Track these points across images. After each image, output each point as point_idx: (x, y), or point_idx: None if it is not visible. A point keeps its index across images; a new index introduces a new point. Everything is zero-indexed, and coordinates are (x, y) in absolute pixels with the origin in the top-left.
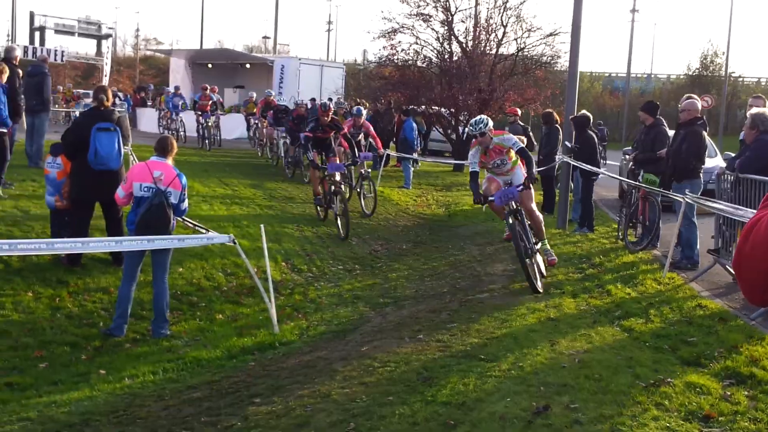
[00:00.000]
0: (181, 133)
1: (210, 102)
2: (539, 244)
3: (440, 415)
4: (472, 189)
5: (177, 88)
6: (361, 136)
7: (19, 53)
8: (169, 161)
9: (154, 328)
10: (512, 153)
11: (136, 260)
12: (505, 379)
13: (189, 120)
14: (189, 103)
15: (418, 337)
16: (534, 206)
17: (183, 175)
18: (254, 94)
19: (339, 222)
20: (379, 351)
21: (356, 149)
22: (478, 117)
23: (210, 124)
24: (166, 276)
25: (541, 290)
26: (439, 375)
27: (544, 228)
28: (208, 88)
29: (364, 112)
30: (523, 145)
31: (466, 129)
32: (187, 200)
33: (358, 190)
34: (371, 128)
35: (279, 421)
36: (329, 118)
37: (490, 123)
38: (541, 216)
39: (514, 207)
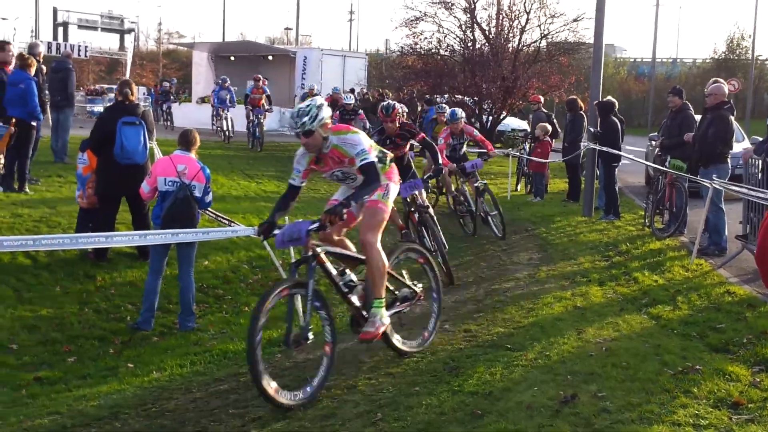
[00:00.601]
0: (227, 130)
1: (264, 96)
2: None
3: (467, 404)
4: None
5: (224, 80)
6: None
7: (42, 49)
8: (193, 154)
9: (180, 321)
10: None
11: (162, 254)
12: (532, 368)
13: (238, 115)
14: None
15: (445, 327)
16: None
17: (207, 168)
18: (315, 86)
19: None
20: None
21: (437, 155)
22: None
23: (261, 121)
24: (191, 269)
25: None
26: (466, 365)
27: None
28: (261, 78)
29: (461, 113)
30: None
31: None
32: (211, 193)
33: (482, 214)
34: (476, 132)
35: (306, 413)
36: (397, 124)
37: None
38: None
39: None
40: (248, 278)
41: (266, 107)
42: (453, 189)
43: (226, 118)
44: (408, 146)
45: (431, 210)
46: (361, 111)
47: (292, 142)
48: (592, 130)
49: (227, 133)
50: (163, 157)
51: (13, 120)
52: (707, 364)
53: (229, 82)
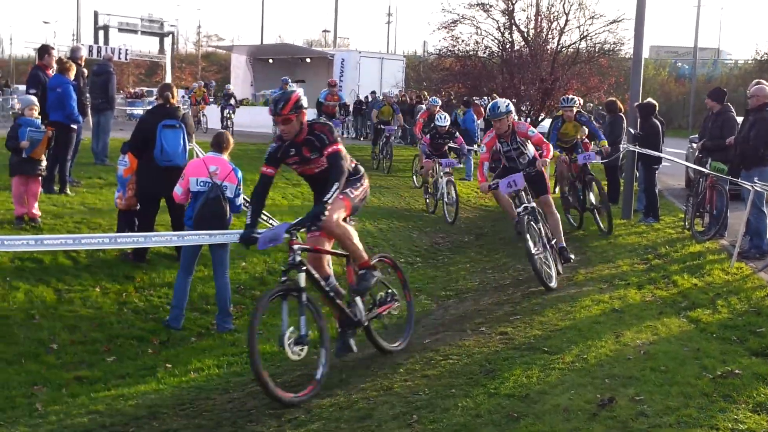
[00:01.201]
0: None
1: (339, 103)
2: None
3: (503, 407)
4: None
5: (285, 81)
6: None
7: (84, 53)
8: (225, 156)
9: (218, 322)
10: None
11: (192, 254)
12: (569, 371)
13: None
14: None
15: (481, 329)
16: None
17: (238, 169)
18: (395, 91)
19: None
20: (442, 344)
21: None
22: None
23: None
24: (226, 271)
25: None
26: (502, 367)
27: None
28: (336, 83)
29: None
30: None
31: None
32: (243, 194)
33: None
34: (531, 131)
35: (342, 414)
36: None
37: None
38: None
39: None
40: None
41: (340, 115)
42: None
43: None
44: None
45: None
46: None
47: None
48: (632, 131)
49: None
50: (196, 159)
51: (51, 127)
52: (747, 369)
53: (290, 83)
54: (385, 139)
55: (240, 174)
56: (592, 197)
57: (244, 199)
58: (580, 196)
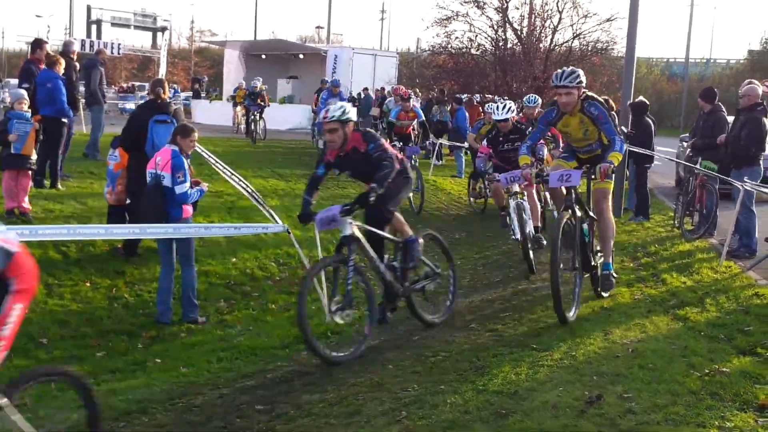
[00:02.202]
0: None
1: (417, 120)
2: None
3: (492, 404)
4: None
5: (336, 83)
6: (415, 125)
7: (77, 47)
8: (174, 147)
9: (183, 312)
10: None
11: (168, 249)
12: (558, 368)
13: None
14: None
15: (471, 326)
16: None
17: (182, 159)
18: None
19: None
20: (431, 340)
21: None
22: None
23: (415, 162)
24: (190, 263)
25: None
26: (491, 364)
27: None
28: (411, 95)
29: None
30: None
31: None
32: (185, 185)
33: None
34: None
35: (332, 410)
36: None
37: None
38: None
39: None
40: (275, 276)
41: (416, 136)
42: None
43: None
44: None
45: None
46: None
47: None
48: (624, 130)
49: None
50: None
51: (38, 117)
52: (734, 367)
53: (341, 86)
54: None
55: (180, 162)
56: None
57: (200, 190)
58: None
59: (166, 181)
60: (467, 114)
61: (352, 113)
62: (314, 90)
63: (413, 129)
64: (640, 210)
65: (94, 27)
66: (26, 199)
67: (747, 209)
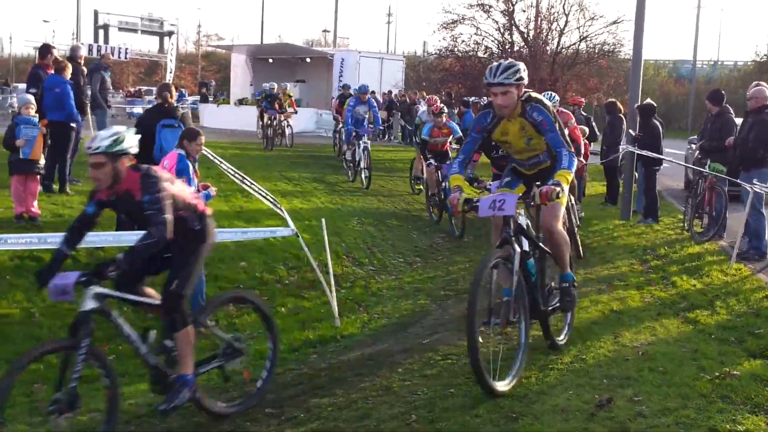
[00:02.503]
0: (362, 167)
1: (451, 137)
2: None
3: (502, 407)
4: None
5: (365, 89)
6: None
7: (84, 52)
8: (181, 151)
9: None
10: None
11: None
12: (568, 371)
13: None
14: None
15: (480, 329)
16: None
17: (187, 163)
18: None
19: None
20: (441, 344)
21: None
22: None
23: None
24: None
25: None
26: (501, 367)
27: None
28: (443, 109)
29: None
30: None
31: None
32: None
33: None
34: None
35: (341, 413)
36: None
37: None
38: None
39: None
40: (284, 279)
41: (453, 148)
42: None
43: (365, 149)
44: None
45: None
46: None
47: (327, 145)
48: (632, 133)
49: (364, 173)
50: None
51: (45, 122)
52: (745, 370)
53: (369, 91)
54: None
55: (184, 166)
56: None
57: (207, 194)
58: None
59: None
60: (475, 117)
61: (129, 143)
62: (322, 93)
63: (450, 144)
64: (649, 212)
65: (101, 32)
66: (35, 203)
67: (756, 211)
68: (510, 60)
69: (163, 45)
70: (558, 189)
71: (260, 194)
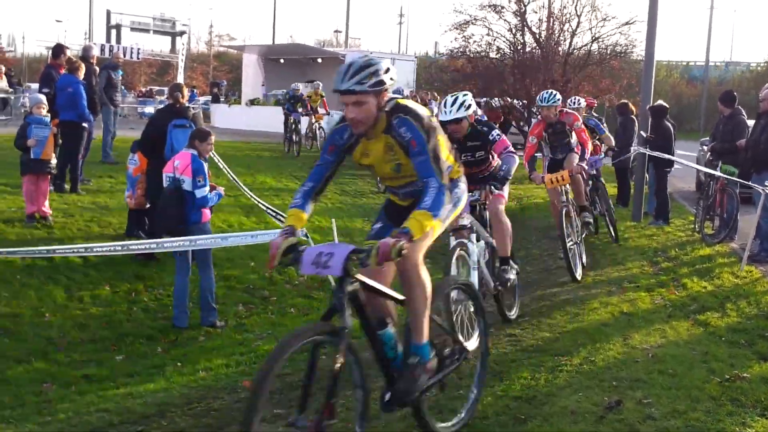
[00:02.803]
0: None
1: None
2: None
3: (511, 409)
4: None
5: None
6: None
7: (96, 52)
8: (193, 151)
9: (202, 317)
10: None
11: (184, 254)
12: (577, 373)
13: None
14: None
15: (489, 331)
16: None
17: (201, 163)
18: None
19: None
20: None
21: None
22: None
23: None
24: (208, 268)
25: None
26: (510, 369)
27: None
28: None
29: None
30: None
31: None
32: (205, 188)
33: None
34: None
35: (350, 414)
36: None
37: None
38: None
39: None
40: (294, 280)
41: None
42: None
43: None
44: None
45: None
46: None
47: None
48: (644, 135)
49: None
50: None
51: (56, 122)
52: (755, 372)
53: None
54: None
55: (199, 166)
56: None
57: (218, 194)
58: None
59: (186, 185)
60: (486, 118)
61: None
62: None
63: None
64: (660, 214)
65: (113, 32)
66: (46, 203)
67: None
68: (367, 57)
69: (175, 45)
70: (400, 244)
71: (262, 206)
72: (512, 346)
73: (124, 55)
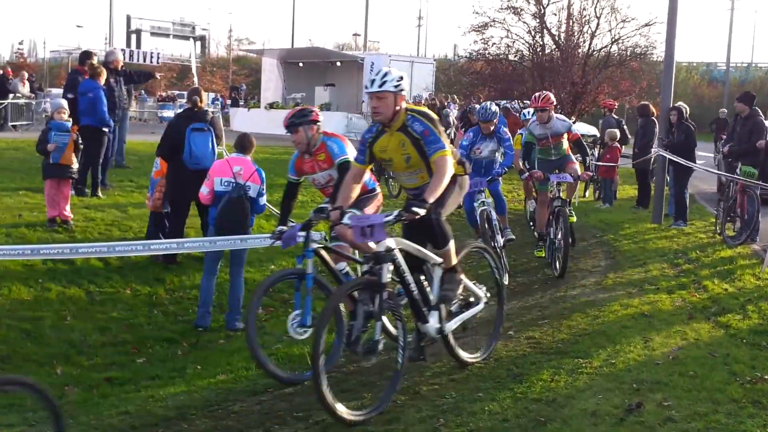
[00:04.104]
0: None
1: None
2: None
3: (530, 411)
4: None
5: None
6: None
7: (118, 56)
8: (248, 157)
9: (228, 319)
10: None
11: (214, 256)
12: (597, 376)
13: None
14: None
15: (508, 333)
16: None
17: (262, 170)
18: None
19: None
20: (469, 347)
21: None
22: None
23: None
24: (242, 269)
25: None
26: (530, 371)
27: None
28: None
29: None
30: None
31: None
32: (265, 196)
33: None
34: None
35: (369, 417)
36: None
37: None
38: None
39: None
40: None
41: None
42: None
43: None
44: None
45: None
46: None
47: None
48: (665, 140)
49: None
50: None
51: (75, 127)
52: None
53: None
54: None
55: (263, 175)
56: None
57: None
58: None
59: (252, 192)
60: (506, 121)
61: None
62: (353, 97)
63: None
64: (678, 215)
65: (133, 36)
66: (67, 207)
67: None
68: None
69: (195, 49)
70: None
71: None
72: (532, 348)
73: (144, 60)
